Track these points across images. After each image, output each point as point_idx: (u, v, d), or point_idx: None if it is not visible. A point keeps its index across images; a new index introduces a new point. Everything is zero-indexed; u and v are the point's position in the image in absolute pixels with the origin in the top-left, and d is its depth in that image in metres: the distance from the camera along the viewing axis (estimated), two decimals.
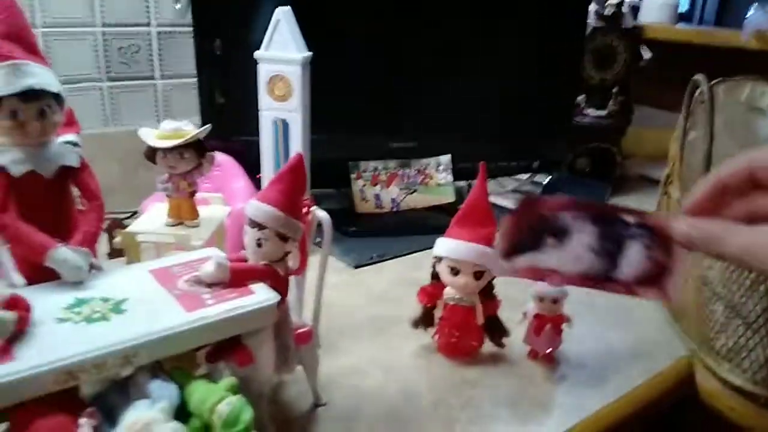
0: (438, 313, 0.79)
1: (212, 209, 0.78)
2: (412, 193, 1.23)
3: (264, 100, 0.98)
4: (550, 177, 1.48)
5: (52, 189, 0.62)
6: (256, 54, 0.95)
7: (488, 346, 0.81)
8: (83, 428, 0.45)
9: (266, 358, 0.60)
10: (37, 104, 0.58)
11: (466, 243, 0.73)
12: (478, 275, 0.74)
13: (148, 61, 1.22)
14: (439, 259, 0.76)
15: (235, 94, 1.12)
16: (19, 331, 0.49)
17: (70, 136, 0.68)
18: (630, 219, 0.45)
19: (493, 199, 0.85)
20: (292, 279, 0.65)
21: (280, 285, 0.62)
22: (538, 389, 0.76)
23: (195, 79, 1.22)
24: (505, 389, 0.75)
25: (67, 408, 0.47)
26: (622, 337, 0.87)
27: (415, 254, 1.11)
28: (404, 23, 1.18)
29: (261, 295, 0.58)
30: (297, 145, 0.99)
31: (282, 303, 0.61)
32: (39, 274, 0.60)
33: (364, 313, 0.90)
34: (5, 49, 0.58)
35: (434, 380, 0.76)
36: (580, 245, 0.46)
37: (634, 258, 0.45)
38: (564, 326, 0.79)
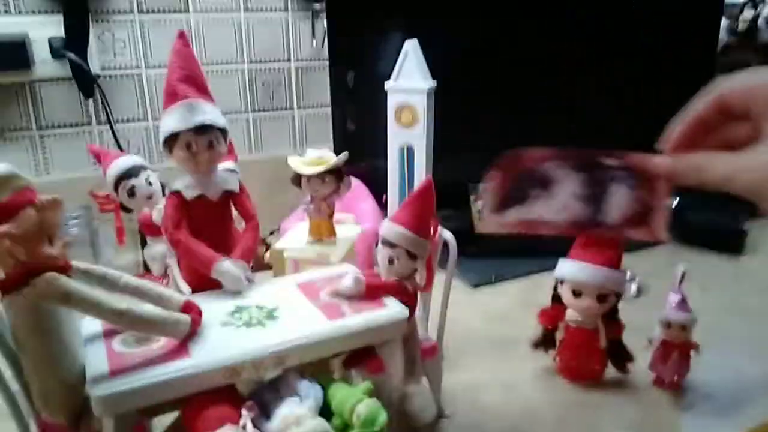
0: (559, 335, 0.81)
1: (346, 228, 0.85)
2: None
3: (391, 127, 1.05)
4: (678, 199, 1.42)
5: (217, 210, 0.71)
6: (386, 85, 1.02)
7: (611, 371, 0.80)
8: (245, 418, 0.51)
9: (396, 367, 0.65)
10: (207, 137, 0.68)
11: (590, 265, 0.74)
12: (601, 298, 0.75)
13: (287, 93, 1.34)
14: (561, 281, 0.78)
15: (363, 121, 1.21)
16: (192, 333, 0.57)
17: (230, 164, 0.78)
18: (612, 162, 0.45)
19: None
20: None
21: (408, 300, 0.67)
22: (664, 416, 0.74)
23: (328, 109, 1.33)
24: (629, 414, 0.74)
25: (229, 401, 0.55)
26: (757, 368, 0.83)
27: (533, 276, 1.12)
28: (524, 49, 1.21)
29: (392, 308, 0.63)
30: (421, 169, 1.05)
31: (410, 317, 0.66)
32: (202, 283, 0.69)
33: (484, 332, 0.93)
34: (182, 90, 0.68)
35: (556, 401, 0.77)
36: (566, 194, 0.47)
37: (619, 200, 0.45)
38: (692, 353, 0.77)
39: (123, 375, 0.51)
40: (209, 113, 0.68)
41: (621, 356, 0.79)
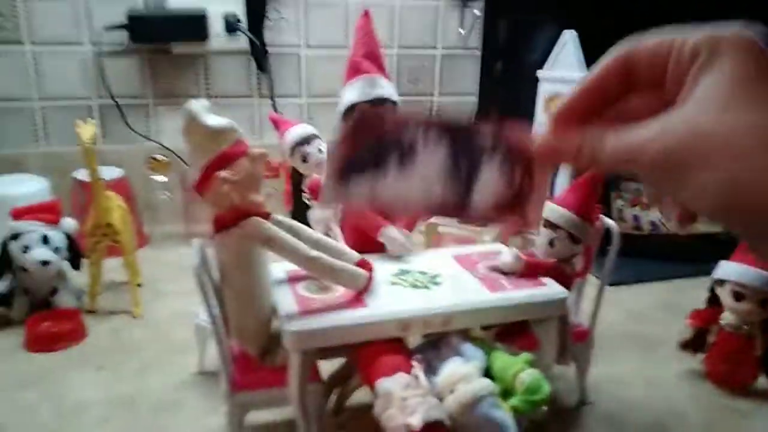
0: (710, 338, 0.78)
1: None
2: None
3: (540, 116, 1.05)
4: None
5: None
6: (540, 73, 1.03)
7: (763, 381, 0.77)
8: (416, 369, 0.55)
9: (549, 347, 0.66)
10: (382, 111, 0.73)
11: (756, 269, 0.72)
12: (764, 303, 0.72)
13: (430, 80, 1.37)
14: (721, 282, 0.76)
15: (508, 111, 1.22)
16: (367, 287, 0.62)
17: None
18: (487, 134, 0.36)
19: None
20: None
21: (565, 283, 0.68)
22: None
23: (469, 97, 1.35)
24: None
25: (400, 353, 0.59)
26: None
27: (674, 279, 1.09)
28: None
29: (552, 288, 0.65)
30: None
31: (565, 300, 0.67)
32: (362, 247, 0.73)
33: (624, 329, 0.92)
34: (364, 66, 0.73)
35: (702, 404, 0.75)
36: (428, 169, 0.37)
37: (489, 182, 0.37)
38: None
39: (311, 316, 0.57)
40: (386, 88, 0.73)
41: None
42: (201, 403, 0.73)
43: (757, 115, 0.24)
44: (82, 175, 1.10)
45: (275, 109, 1.26)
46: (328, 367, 0.67)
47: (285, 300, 0.60)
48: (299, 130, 0.83)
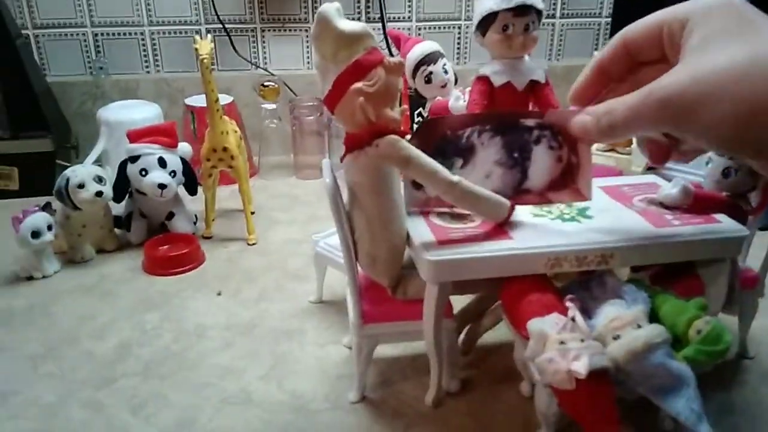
0: None
1: None
2: None
3: None
4: None
5: (519, 100, 0.68)
6: None
7: None
8: (572, 310, 0.48)
9: (717, 293, 0.57)
10: (525, 19, 0.64)
11: None
12: None
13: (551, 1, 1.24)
14: None
15: None
16: (508, 217, 0.55)
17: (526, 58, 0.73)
18: (531, 122, 0.42)
19: None
20: None
21: (739, 220, 0.58)
22: None
23: (595, 19, 1.22)
24: None
25: (551, 291, 0.52)
26: None
27: None
28: None
29: (728, 225, 0.56)
30: None
31: None
32: None
33: None
34: None
35: None
36: (487, 161, 0.44)
37: (541, 162, 0.43)
38: None
39: (450, 246, 0.51)
40: None
41: None
42: (321, 332, 0.71)
43: (744, 52, 0.27)
44: (194, 101, 1.09)
45: (384, 34, 1.18)
46: (457, 305, 0.62)
47: (418, 228, 0.54)
48: (424, 47, 0.75)
